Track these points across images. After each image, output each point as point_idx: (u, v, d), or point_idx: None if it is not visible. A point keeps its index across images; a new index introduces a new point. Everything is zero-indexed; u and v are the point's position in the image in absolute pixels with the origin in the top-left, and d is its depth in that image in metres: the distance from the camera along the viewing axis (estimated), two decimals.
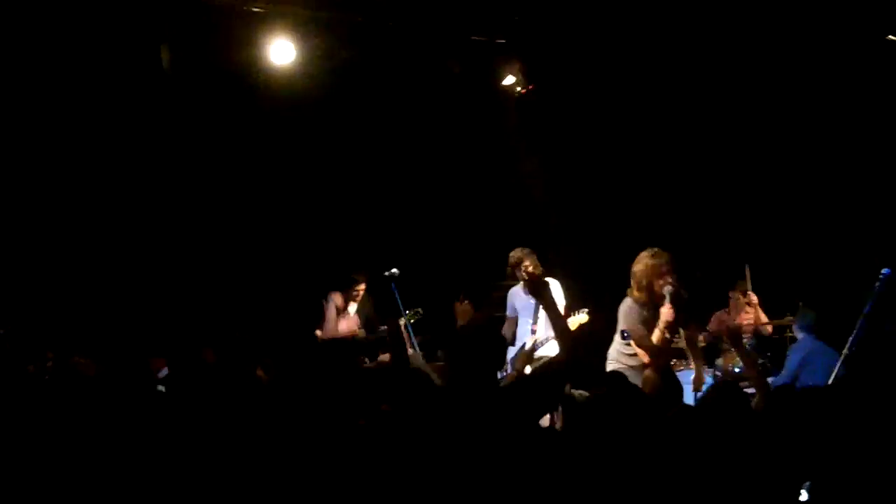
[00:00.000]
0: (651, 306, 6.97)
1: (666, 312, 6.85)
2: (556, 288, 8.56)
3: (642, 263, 7.01)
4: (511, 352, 8.42)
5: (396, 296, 9.17)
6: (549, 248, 10.50)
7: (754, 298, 9.64)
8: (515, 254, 8.63)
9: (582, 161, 10.98)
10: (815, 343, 8.32)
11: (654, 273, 6.92)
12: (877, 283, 7.20)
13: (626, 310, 7.06)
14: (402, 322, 8.98)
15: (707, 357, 9.50)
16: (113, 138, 9.65)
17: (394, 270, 9.27)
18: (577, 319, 8.23)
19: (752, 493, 3.67)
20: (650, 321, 6.96)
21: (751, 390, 5.23)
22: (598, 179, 11.04)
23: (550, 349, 8.15)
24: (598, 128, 10.87)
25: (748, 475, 3.74)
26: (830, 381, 7.54)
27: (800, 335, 8.41)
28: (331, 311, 9.64)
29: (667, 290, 6.86)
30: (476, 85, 10.58)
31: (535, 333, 8.35)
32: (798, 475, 3.73)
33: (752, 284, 9.70)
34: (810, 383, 7.58)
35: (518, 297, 8.77)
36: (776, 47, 9.51)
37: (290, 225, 10.61)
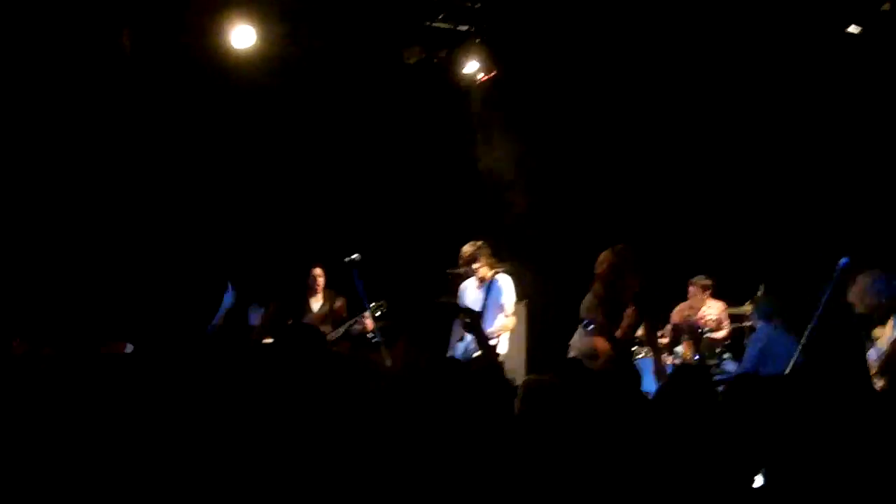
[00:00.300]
0: (613, 302, 6.99)
1: (629, 315, 6.91)
2: (506, 284, 8.56)
3: (606, 260, 7.03)
4: (460, 347, 8.36)
5: (359, 284, 8.67)
6: (511, 236, 10.59)
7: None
8: (468, 249, 8.60)
9: (545, 149, 10.97)
10: (774, 331, 8.39)
11: (618, 270, 6.94)
12: (835, 272, 7.30)
13: (588, 306, 7.09)
14: (367, 317, 8.91)
15: (670, 347, 9.61)
16: (73, 123, 9.53)
17: (355, 256, 8.63)
18: (506, 324, 8.43)
19: (709, 477, 3.69)
20: (612, 317, 7.00)
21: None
22: (561, 169, 11.04)
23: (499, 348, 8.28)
24: (562, 116, 10.87)
25: (707, 459, 3.76)
26: (789, 370, 7.65)
27: (758, 324, 8.47)
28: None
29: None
30: (437, 72, 10.52)
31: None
32: (755, 462, 3.76)
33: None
34: (772, 372, 7.64)
35: (468, 293, 8.74)
36: (736, 36, 9.55)
37: (250, 212, 10.52)
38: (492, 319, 8.49)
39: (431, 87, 10.68)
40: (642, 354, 8.95)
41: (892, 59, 9.32)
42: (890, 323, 7.03)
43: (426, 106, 10.87)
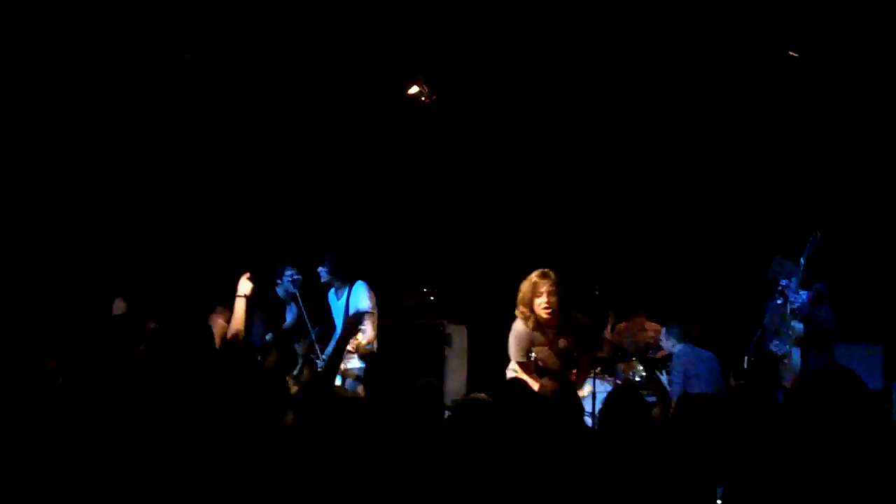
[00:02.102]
0: (537, 325, 6.99)
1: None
2: (360, 290, 8.33)
3: (526, 283, 7.00)
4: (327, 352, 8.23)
5: (299, 302, 8.56)
6: (450, 257, 10.62)
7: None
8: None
9: (483, 170, 11.01)
10: (693, 351, 8.51)
11: (534, 293, 6.93)
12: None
13: (515, 335, 7.04)
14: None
15: (609, 367, 9.65)
16: None
17: (296, 276, 8.62)
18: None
19: (658, 497, 3.70)
20: (539, 339, 7.00)
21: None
22: (500, 190, 11.07)
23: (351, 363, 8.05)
24: (500, 138, 10.90)
25: (652, 480, 3.76)
26: (722, 385, 7.77)
27: (676, 348, 8.56)
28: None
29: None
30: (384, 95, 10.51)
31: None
32: (708, 480, 3.77)
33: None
34: (699, 391, 7.72)
35: (331, 299, 8.54)
36: (663, 51, 9.65)
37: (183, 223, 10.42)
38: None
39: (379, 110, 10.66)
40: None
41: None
42: None
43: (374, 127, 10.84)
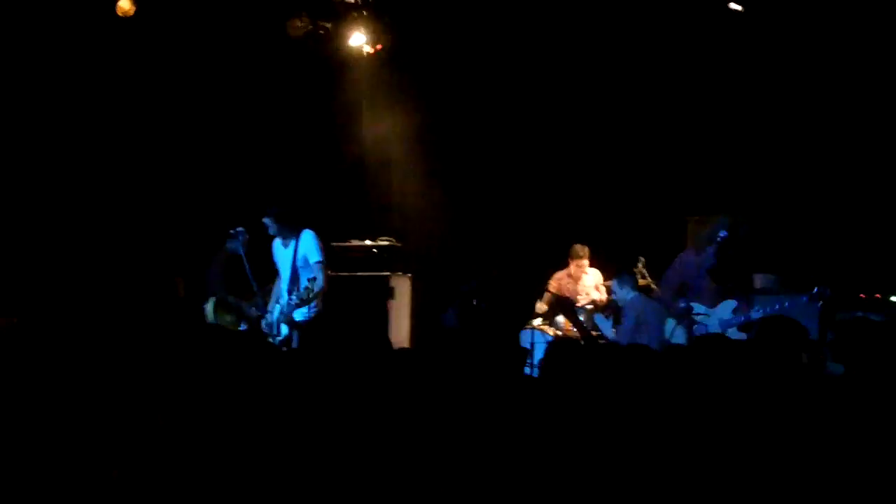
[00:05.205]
0: None
1: None
2: (310, 239, 8.18)
3: None
4: (276, 311, 8.23)
5: (244, 261, 8.42)
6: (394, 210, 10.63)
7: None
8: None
9: (431, 124, 10.97)
10: (646, 300, 8.62)
11: None
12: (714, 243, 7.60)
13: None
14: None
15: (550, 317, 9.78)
16: None
17: (239, 228, 8.61)
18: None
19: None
20: None
21: None
22: (447, 144, 11.04)
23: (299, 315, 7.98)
24: (449, 91, 10.86)
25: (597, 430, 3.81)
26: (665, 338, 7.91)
27: (629, 296, 8.66)
28: None
29: None
30: (323, 45, 10.40)
31: (291, 294, 7.97)
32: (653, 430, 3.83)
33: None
34: (647, 339, 7.86)
35: (276, 249, 8.44)
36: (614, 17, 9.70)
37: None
38: (304, 278, 8.08)
39: (315, 60, 10.55)
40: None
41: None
42: None
43: (309, 79, 10.72)
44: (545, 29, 10.11)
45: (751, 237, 7.79)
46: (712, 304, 7.82)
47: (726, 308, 7.82)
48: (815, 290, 7.57)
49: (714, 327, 7.62)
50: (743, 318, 7.67)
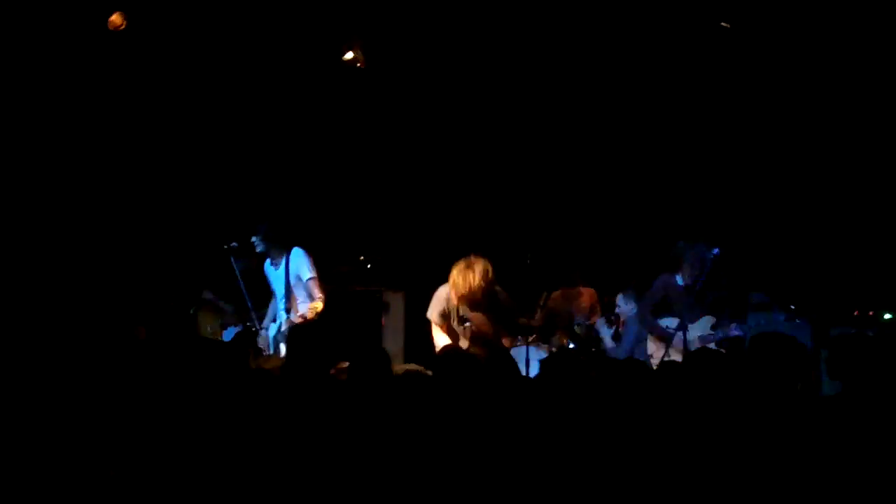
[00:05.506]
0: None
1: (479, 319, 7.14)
2: (300, 257, 8.18)
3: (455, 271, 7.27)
4: (273, 329, 8.26)
5: (238, 275, 8.36)
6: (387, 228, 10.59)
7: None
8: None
9: (418, 139, 10.98)
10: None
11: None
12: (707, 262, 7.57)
13: (436, 297, 7.44)
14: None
15: (544, 335, 9.75)
16: None
17: (234, 244, 8.38)
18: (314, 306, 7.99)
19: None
20: (455, 316, 7.34)
21: None
22: (438, 160, 11.05)
23: None
24: (440, 109, 10.87)
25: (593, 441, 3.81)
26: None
27: (633, 311, 8.66)
28: None
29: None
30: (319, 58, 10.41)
31: (290, 314, 8.07)
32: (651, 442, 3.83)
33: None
34: (644, 357, 7.87)
35: (267, 270, 8.44)
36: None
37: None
38: (300, 297, 8.14)
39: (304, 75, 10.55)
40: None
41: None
42: None
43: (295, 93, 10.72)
44: (534, 51, 10.12)
45: (727, 258, 7.81)
46: (693, 320, 7.85)
47: (705, 324, 7.88)
48: (793, 307, 7.70)
49: (693, 343, 7.66)
50: (721, 335, 7.77)
